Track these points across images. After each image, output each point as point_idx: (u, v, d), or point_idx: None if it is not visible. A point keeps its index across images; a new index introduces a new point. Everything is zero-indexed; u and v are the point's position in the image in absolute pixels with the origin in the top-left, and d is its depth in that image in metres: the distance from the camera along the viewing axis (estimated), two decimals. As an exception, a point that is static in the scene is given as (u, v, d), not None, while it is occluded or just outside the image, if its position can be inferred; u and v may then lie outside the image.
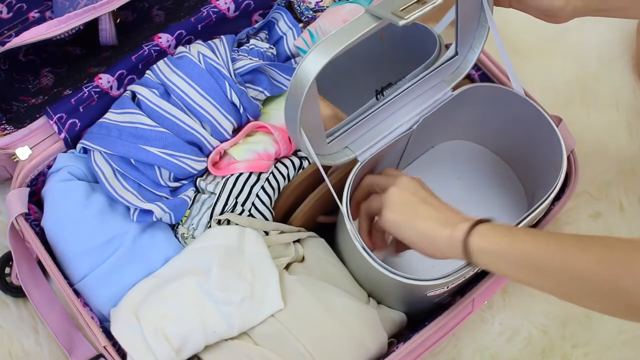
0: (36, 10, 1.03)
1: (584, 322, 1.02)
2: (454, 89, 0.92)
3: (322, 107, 0.83)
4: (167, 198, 0.90)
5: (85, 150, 0.91)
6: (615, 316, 0.66)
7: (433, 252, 0.76)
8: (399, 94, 0.88)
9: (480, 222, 0.73)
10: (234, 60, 0.94)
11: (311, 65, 0.70)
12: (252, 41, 1.00)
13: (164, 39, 0.95)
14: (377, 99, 0.87)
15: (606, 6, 0.80)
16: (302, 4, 1.03)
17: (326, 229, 0.95)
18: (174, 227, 0.91)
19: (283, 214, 0.93)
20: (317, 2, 1.03)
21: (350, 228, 0.82)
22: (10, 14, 1.02)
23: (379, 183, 0.84)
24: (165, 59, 0.94)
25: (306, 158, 0.94)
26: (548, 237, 0.68)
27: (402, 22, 0.69)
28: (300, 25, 1.03)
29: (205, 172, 0.93)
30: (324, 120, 0.79)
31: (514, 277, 0.71)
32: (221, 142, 0.92)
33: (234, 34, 0.99)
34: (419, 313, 0.92)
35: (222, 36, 0.97)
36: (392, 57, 0.97)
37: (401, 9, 0.70)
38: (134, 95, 0.92)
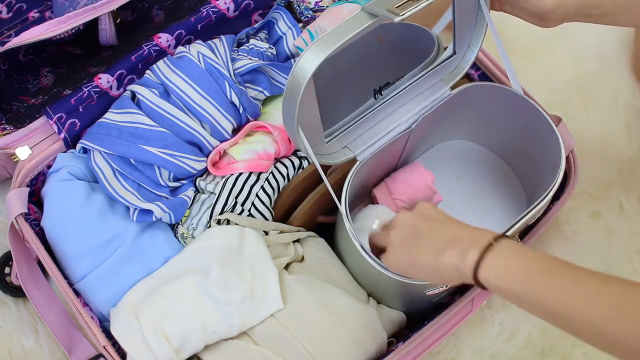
0: (36, 10, 1.03)
1: (583, 322, 1.02)
2: (453, 88, 0.92)
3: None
4: (166, 198, 0.90)
5: (85, 150, 0.91)
6: None
7: (445, 281, 0.74)
8: (397, 93, 0.88)
9: (489, 247, 0.67)
10: (233, 60, 0.94)
11: (308, 64, 0.70)
12: (251, 41, 1.00)
13: (163, 38, 0.95)
14: (375, 98, 0.87)
15: (596, 11, 0.81)
16: (301, 3, 1.03)
17: (326, 228, 0.95)
18: (173, 227, 0.91)
19: (283, 214, 0.93)
20: (316, 2, 1.03)
21: (349, 228, 0.82)
22: (10, 14, 1.02)
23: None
24: (165, 58, 0.94)
25: (306, 158, 0.94)
26: (568, 283, 0.63)
27: (397, 19, 0.69)
28: (300, 25, 1.03)
29: (205, 172, 0.93)
30: None
31: (527, 310, 0.67)
32: (221, 142, 0.92)
33: (233, 34, 0.99)
34: (419, 312, 0.92)
35: (221, 36, 0.97)
36: (391, 59, 0.97)
37: (396, 6, 0.70)
38: (133, 95, 0.92)
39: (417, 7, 0.70)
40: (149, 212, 0.86)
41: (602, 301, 0.61)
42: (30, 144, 0.90)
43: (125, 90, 0.94)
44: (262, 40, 1.01)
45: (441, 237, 0.71)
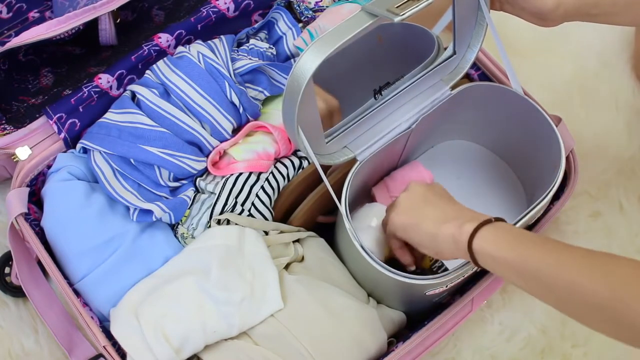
0: (36, 10, 1.03)
1: (583, 322, 1.02)
2: (453, 88, 0.92)
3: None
4: (166, 198, 0.90)
5: (85, 150, 0.91)
6: (618, 339, 0.65)
7: (438, 253, 0.77)
8: (397, 93, 0.88)
9: (487, 222, 0.72)
10: (233, 60, 0.94)
11: (308, 64, 0.70)
12: (251, 41, 1.00)
13: (163, 38, 0.95)
14: (375, 98, 0.87)
15: (596, 11, 0.81)
16: (301, 3, 1.03)
17: (326, 228, 0.95)
18: (173, 227, 0.91)
19: (283, 214, 0.93)
20: (316, 2, 1.03)
21: (349, 228, 0.82)
22: (10, 14, 1.02)
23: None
24: (165, 58, 0.94)
25: (306, 158, 0.94)
26: (557, 251, 0.67)
27: (397, 19, 0.69)
28: (300, 25, 1.03)
29: (205, 172, 0.93)
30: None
31: (518, 285, 0.70)
32: (221, 142, 0.92)
33: (233, 34, 0.99)
34: (419, 312, 0.92)
35: (221, 36, 0.97)
36: (391, 59, 0.97)
37: (396, 6, 0.70)
38: (133, 95, 0.92)
39: (417, 7, 0.70)
40: (149, 212, 0.86)
41: (591, 267, 0.64)
42: (30, 144, 0.90)
43: (125, 90, 0.94)
44: (262, 40, 1.01)
45: (446, 211, 0.77)
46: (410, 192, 0.81)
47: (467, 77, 0.99)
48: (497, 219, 0.73)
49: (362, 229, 0.88)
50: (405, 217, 0.79)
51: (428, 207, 0.79)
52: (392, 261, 0.87)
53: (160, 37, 0.95)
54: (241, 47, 0.98)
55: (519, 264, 0.68)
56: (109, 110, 0.92)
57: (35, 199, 0.92)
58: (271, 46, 1.00)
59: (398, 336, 0.91)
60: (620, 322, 0.62)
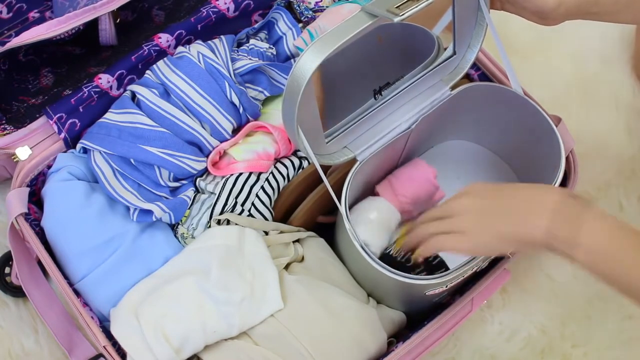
0: (36, 10, 1.03)
1: (583, 322, 1.02)
2: (452, 88, 0.92)
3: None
4: (166, 198, 0.90)
5: (85, 150, 0.91)
6: None
7: (521, 249, 0.74)
8: (397, 93, 0.88)
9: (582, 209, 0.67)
10: (233, 60, 0.94)
11: (308, 64, 0.70)
12: (251, 41, 1.00)
13: (163, 39, 0.95)
14: (375, 98, 0.87)
15: (597, 9, 0.81)
16: (301, 4, 1.03)
17: (326, 228, 0.95)
18: (173, 227, 0.91)
19: (283, 214, 0.93)
20: (316, 2, 1.03)
21: (349, 228, 0.82)
22: (10, 14, 1.02)
23: (434, 212, 0.78)
24: (165, 59, 0.94)
25: (306, 158, 0.94)
26: None
27: (397, 19, 0.69)
28: (300, 25, 1.03)
29: (205, 172, 0.93)
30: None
31: (611, 285, 0.67)
32: (221, 142, 0.92)
33: (233, 34, 0.99)
34: (419, 312, 0.92)
35: (221, 36, 0.97)
36: (390, 59, 0.97)
37: (396, 6, 0.70)
38: (133, 95, 0.92)
39: (416, 7, 0.70)
40: (149, 212, 0.86)
41: None
42: (30, 144, 0.90)
43: (125, 90, 0.94)
44: (262, 41, 1.01)
45: (529, 202, 0.70)
46: (475, 193, 0.75)
47: (467, 78, 0.99)
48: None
49: (361, 222, 0.88)
50: (483, 225, 0.72)
51: (500, 202, 0.72)
52: (391, 260, 0.88)
53: (160, 37, 0.95)
54: (241, 47, 0.98)
55: (618, 273, 0.65)
56: (109, 110, 0.92)
57: (36, 199, 0.92)
58: (271, 46, 1.00)
59: (398, 336, 0.91)
60: None
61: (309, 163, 0.94)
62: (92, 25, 0.95)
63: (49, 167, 0.91)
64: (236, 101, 0.92)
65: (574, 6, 0.81)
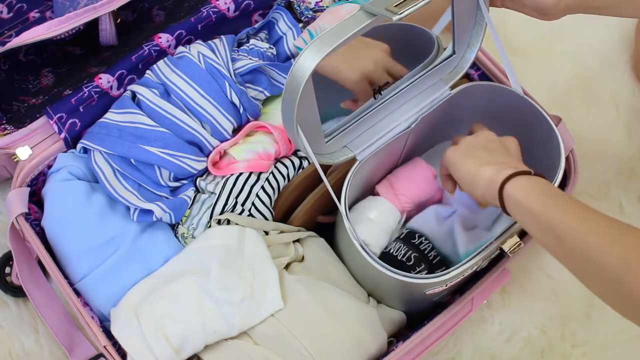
0: (36, 10, 1.03)
1: (583, 322, 1.02)
2: (452, 88, 0.92)
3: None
4: (167, 198, 0.90)
5: (86, 150, 0.91)
6: (616, 309, 0.65)
7: (472, 192, 0.79)
8: (396, 93, 0.88)
9: (525, 173, 0.74)
10: (233, 60, 0.94)
11: (307, 63, 0.70)
12: (252, 41, 1.00)
13: (164, 39, 0.95)
14: (374, 98, 0.87)
15: (598, 4, 0.81)
16: (301, 4, 1.03)
17: (326, 228, 0.95)
18: (174, 227, 0.91)
19: (283, 214, 0.93)
20: (316, 2, 1.03)
21: (349, 228, 0.82)
22: (11, 14, 1.02)
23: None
24: (165, 59, 0.94)
25: (306, 158, 0.94)
26: (582, 211, 0.68)
27: (396, 18, 0.69)
28: (300, 25, 1.03)
29: (205, 172, 0.93)
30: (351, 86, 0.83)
31: (536, 236, 0.72)
32: (221, 142, 0.93)
33: (234, 34, 0.99)
34: (419, 312, 0.92)
35: (222, 36, 0.97)
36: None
37: (395, 4, 0.70)
38: (134, 95, 0.92)
39: (415, 5, 0.70)
40: (149, 212, 0.87)
41: (610, 230, 0.65)
42: (30, 144, 0.90)
43: (125, 90, 0.94)
44: (262, 40, 1.01)
45: (496, 158, 0.79)
46: (476, 136, 0.84)
47: (467, 77, 0.99)
48: (537, 174, 0.75)
49: (361, 221, 0.88)
50: (458, 153, 0.81)
51: (483, 151, 0.80)
52: (391, 260, 0.88)
53: (160, 37, 0.95)
54: (241, 47, 0.98)
55: (542, 215, 0.69)
56: (110, 110, 0.92)
57: (36, 199, 0.92)
58: (271, 46, 1.00)
59: (398, 336, 0.91)
60: (622, 290, 0.63)
61: (309, 163, 0.94)
62: (93, 25, 0.95)
63: (50, 167, 0.91)
64: (236, 101, 0.92)
65: (574, 1, 0.81)
